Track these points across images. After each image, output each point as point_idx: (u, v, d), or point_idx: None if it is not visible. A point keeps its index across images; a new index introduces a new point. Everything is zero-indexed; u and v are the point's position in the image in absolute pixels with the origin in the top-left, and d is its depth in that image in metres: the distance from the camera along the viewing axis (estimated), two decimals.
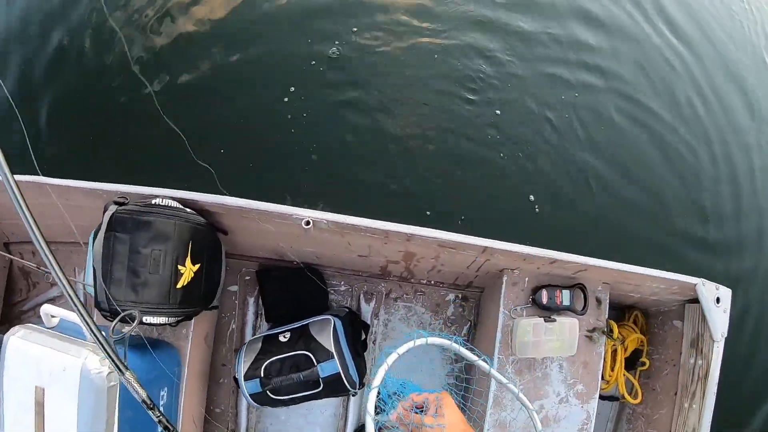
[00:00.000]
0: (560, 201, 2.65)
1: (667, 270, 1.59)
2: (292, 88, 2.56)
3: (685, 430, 1.63)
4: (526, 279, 1.63)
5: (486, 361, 1.25)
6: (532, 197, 2.57)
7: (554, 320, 1.55)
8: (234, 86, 2.59)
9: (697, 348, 1.65)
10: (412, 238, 1.43)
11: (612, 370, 1.80)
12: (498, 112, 2.75)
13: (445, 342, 1.25)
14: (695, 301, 1.62)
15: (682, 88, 3.10)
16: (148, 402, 0.97)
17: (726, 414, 2.42)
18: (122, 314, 1.18)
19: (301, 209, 1.40)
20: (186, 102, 2.52)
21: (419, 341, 1.18)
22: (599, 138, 2.84)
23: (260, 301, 1.94)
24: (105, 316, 1.31)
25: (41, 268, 1.50)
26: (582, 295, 1.63)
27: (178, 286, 1.36)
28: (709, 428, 1.55)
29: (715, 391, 1.55)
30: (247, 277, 1.96)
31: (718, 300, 1.56)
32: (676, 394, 1.71)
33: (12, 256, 1.88)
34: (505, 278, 1.62)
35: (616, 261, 1.55)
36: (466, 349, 1.23)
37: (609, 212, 2.68)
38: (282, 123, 2.51)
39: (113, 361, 0.97)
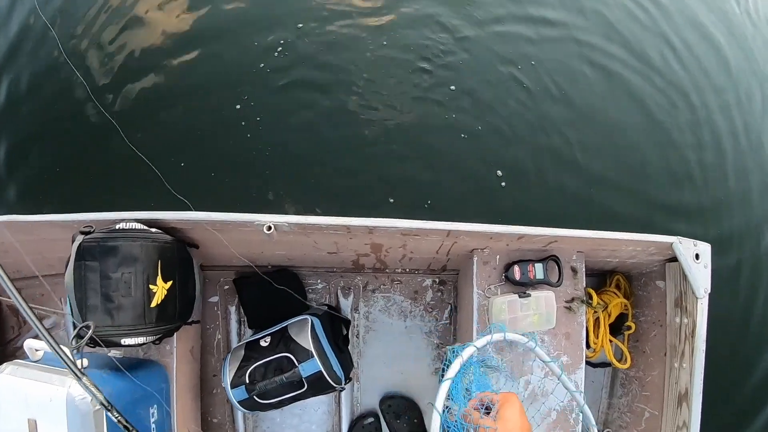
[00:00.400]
0: (528, 174, 2.60)
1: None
2: (245, 97, 2.55)
3: (677, 390, 1.63)
4: (497, 257, 1.62)
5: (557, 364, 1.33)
6: (499, 172, 2.54)
7: (529, 295, 1.54)
8: (185, 100, 2.58)
9: (682, 306, 1.64)
10: (375, 230, 1.42)
11: (597, 337, 1.80)
12: (453, 87, 2.70)
13: (522, 339, 1.31)
14: (675, 259, 1.62)
15: (653, 43, 3.04)
16: (106, 404, 1.02)
17: (734, 406, 2.42)
18: (80, 326, 1.20)
19: (261, 215, 1.40)
20: (140, 122, 2.50)
21: (497, 336, 1.24)
22: (568, 101, 2.78)
23: (241, 309, 1.95)
24: (87, 344, 1.35)
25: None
26: (556, 267, 1.62)
27: (152, 305, 1.37)
28: (701, 387, 1.54)
29: (704, 349, 1.54)
30: (226, 287, 1.96)
31: (697, 256, 1.55)
32: (665, 354, 1.71)
33: None
34: (475, 258, 1.61)
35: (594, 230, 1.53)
36: (541, 349, 1.31)
37: (584, 183, 2.64)
38: (237, 130, 2.50)
39: (69, 367, 1.02)
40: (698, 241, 1.58)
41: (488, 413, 1.05)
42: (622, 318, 1.89)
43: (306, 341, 1.59)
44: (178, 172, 2.42)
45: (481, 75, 2.77)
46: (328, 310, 1.82)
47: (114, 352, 1.59)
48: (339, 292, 1.97)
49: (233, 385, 1.61)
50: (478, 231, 1.43)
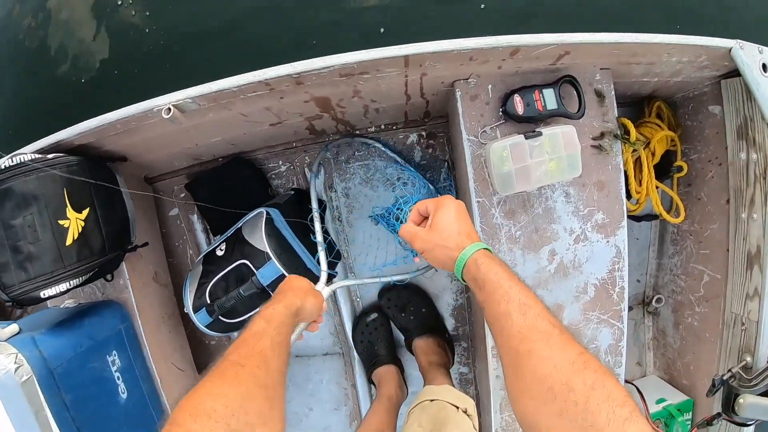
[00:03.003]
0: None
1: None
2: None
3: (746, 247, 1.19)
4: (489, 86, 1.11)
5: None
6: None
7: (539, 133, 1.05)
8: None
9: (747, 137, 1.17)
10: (302, 77, 0.96)
11: (640, 184, 1.32)
12: None
13: None
14: (734, 73, 1.12)
15: None
16: None
17: None
18: None
19: (158, 98, 0.99)
20: None
21: None
22: None
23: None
24: (17, 307, 1.18)
25: None
26: (574, 92, 1.11)
27: (68, 243, 1.07)
28: None
29: None
30: (182, 195, 1.59)
31: (764, 67, 1.04)
32: (728, 202, 1.26)
33: None
34: (458, 93, 1.11)
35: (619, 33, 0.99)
36: None
37: None
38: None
39: None
40: (765, 47, 1.05)
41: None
42: (668, 157, 1.40)
43: (260, 242, 1.21)
44: None
45: None
46: (296, 193, 1.44)
47: (68, 302, 1.35)
48: (305, 170, 1.56)
49: (195, 309, 1.28)
50: (449, 49, 0.94)
